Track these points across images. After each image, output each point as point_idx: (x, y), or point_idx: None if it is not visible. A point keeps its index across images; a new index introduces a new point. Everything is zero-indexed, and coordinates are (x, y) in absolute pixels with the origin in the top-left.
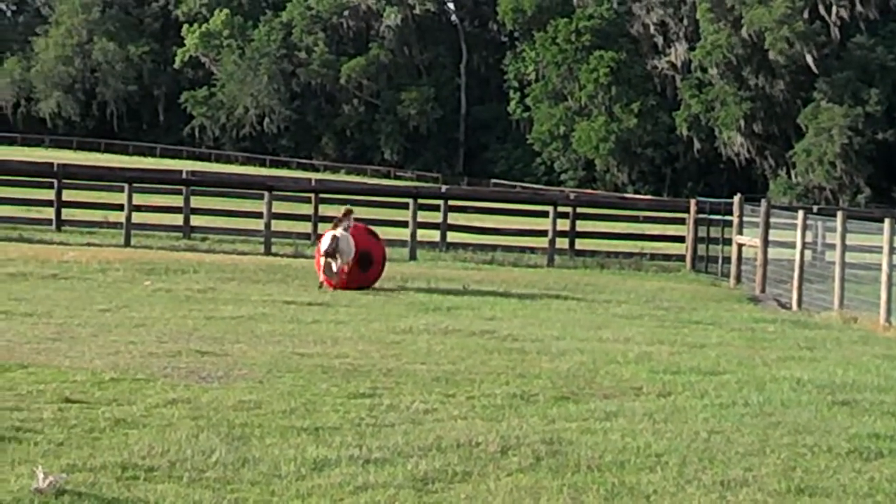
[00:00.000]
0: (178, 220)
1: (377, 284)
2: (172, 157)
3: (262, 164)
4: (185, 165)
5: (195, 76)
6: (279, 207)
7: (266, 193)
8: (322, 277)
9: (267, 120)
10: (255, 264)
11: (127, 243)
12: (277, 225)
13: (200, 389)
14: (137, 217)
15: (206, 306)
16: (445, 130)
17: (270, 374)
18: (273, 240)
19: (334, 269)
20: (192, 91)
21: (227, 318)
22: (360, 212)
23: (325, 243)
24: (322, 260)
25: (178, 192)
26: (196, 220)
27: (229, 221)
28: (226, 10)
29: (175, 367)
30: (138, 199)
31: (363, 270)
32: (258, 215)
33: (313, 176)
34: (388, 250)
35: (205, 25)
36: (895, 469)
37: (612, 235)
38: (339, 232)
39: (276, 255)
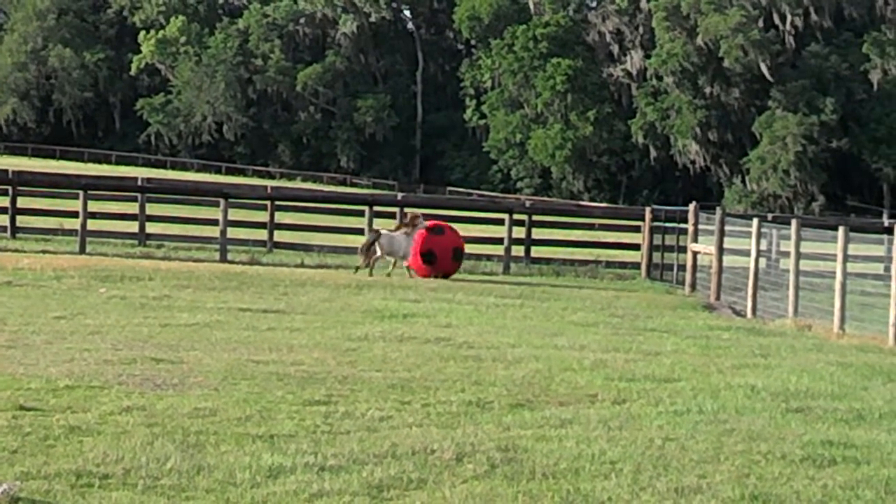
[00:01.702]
0: (133, 227)
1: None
2: (128, 165)
3: (219, 171)
4: (141, 173)
5: (151, 83)
6: (235, 215)
7: (222, 201)
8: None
9: (225, 127)
10: (210, 271)
11: (82, 250)
12: (233, 232)
13: (155, 397)
14: (93, 224)
15: (162, 314)
16: (402, 138)
17: (226, 382)
18: (229, 247)
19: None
20: (149, 98)
21: (182, 325)
22: (316, 219)
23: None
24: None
25: (134, 200)
26: (151, 228)
27: (185, 229)
28: (182, 17)
29: (130, 375)
30: (94, 207)
31: (428, 264)
32: (214, 222)
33: (269, 183)
34: (344, 258)
35: (161, 32)
36: (848, 476)
37: (568, 243)
38: (386, 230)
39: (231, 262)
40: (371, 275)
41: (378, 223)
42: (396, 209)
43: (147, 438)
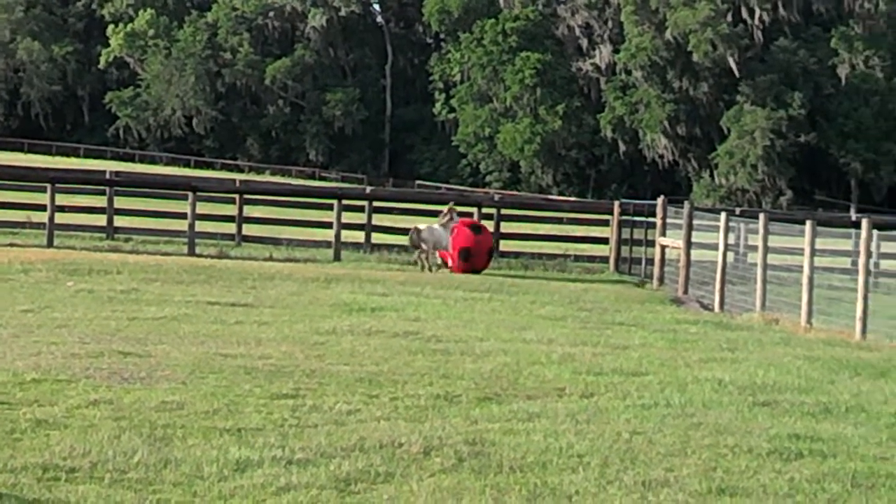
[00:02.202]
0: (101, 220)
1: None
2: (96, 158)
3: (187, 164)
4: (110, 166)
5: (120, 76)
6: (203, 208)
7: (190, 194)
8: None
9: (194, 121)
10: (178, 265)
11: (50, 244)
12: (202, 226)
13: (123, 390)
14: (60, 218)
15: (130, 307)
16: (371, 132)
17: (193, 375)
18: (197, 240)
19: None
20: (118, 91)
21: (150, 318)
22: (284, 213)
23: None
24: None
25: (102, 193)
26: (120, 221)
27: (153, 222)
28: (150, 11)
29: (97, 368)
30: (61, 200)
31: (464, 260)
32: (182, 216)
33: (238, 177)
34: (312, 252)
35: (130, 25)
36: (815, 469)
37: (537, 237)
38: (424, 225)
39: (200, 255)
40: (432, 271)
41: (347, 217)
42: (365, 203)
43: (114, 432)
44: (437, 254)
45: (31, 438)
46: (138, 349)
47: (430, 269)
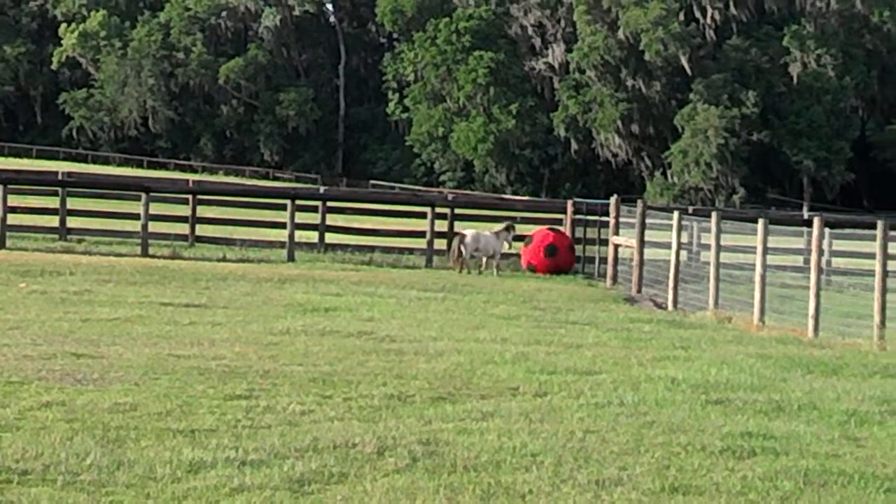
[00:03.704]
0: (54, 221)
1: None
2: (49, 159)
3: (140, 165)
4: (62, 167)
5: (73, 77)
6: (156, 209)
7: (143, 195)
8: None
9: (150, 121)
10: (132, 266)
11: (2, 245)
12: (155, 226)
13: (75, 392)
14: (13, 218)
15: (82, 308)
16: (324, 131)
17: (146, 377)
18: (150, 241)
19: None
20: (71, 92)
21: (103, 320)
22: (238, 213)
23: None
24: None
25: (55, 194)
26: (72, 222)
27: (106, 223)
28: (103, 11)
29: (50, 370)
30: (13, 201)
31: (550, 256)
32: (135, 217)
33: (191, 177)
34: (266, 252)
35: (82, 26)
36: (767, 467)
37: None
38: (469, 231)
39: (153, 256)
40: (469, 272)
41: (301, 217)
42: (319, 203)
43: (67, 434)
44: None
45: None
46: (91, 350)
47: (469, 271)
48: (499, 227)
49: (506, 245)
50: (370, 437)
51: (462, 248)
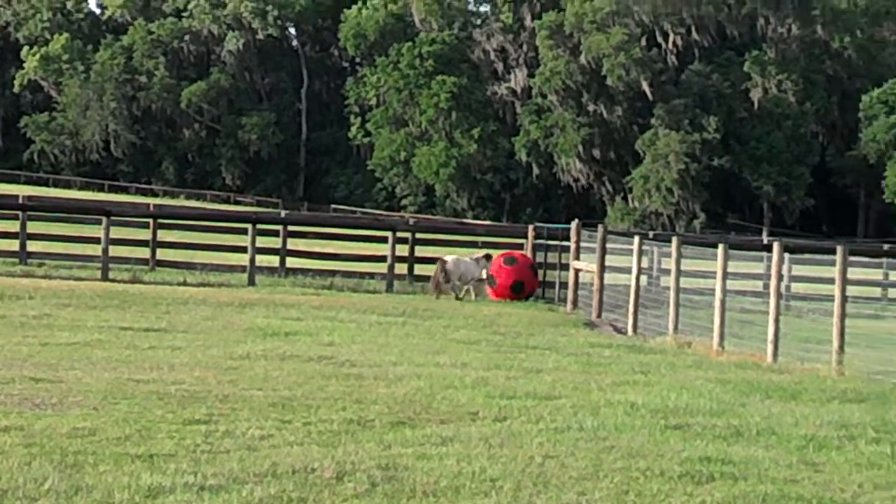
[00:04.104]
0: (13, 245)
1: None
2: (10, 182)
3: (101, 189)
4: (23, 190)
5: (35, 100)
6: (117, 233)
7: (104, 219)
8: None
9: (112, 144)
10: (92, 290)
11: None
12: (115, 250)
13: (34, 416)
14: None
15: (42, 333)
16: (286, 155)
17: (105, 401)
18: (111, 265)
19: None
20: (33, 116)
21: (62, 344)
22: (199, 237)
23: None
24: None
25: (15, 218)
26: (33, 246)
27: (67, 247)
28: (66, 34)
29: (8, 395)
30: None
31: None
32: (96, 241)
33: (152, 201)
34: (226, 276)
35: (45, 49)
36: (726, 492)
37: None
38: (450, 257)
39: (113, 280)
40: (447, 297)
41: (262, 241)
42: (280, 227)
43: (25, 459)
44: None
45: None
46: (50, 375)
47: (458, 298)
48: (478, 254)
49: (483, 273)
50: (329, 462)
51: (444, 274)
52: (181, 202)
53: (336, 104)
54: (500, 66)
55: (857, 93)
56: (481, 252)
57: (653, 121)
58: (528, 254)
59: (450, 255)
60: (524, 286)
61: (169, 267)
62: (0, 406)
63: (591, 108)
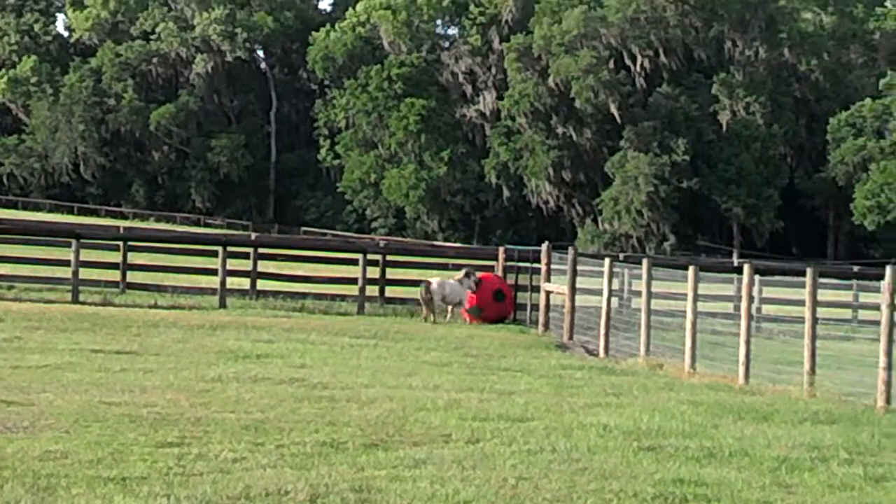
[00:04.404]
0: None
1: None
2: None
3: (71, 211)
4: None
5: (3, 123)
6: (87, 255)
7: (74, 241)
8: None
9: (81, 167)
10: (62, 313)
11: None
12: (85, 273)
13: (5, 440)
14: None
15: (12, 355)
16: (256, 178)
17: (77, 424)
18: (81, 288)
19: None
20: (1, 138)
21: (33, 367)
22: (169, 259)
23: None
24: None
25: None
26: (2, 269)
27: (36, 269)
28: (34, 57)
29: None
30: None
31: (498, 301)
32: (66, 263)
33: (122, 223)
34: (197, 299)
35: (12, 71)
36: None
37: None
38: (435, 280)
39: (84, 303)
40: (434, 321)
41: (232, 264)
42: (250, 249)
43: None
44: (461, 310)
45: None
46: (21, 398)
47: (435, 321)
48: (458, 274)
49: (468, 292)
50: (302, 484)
51: (427, 295)
52: (151, 224)
53: (305, 126)
54: (468, 89)
55: (825, 115)
56: (461, 273)
57: (622, 143)
58: (499, 275)
59: (434, 277)
60: (505, 297)
61: (139, 289)
62: None
63: (560, 130)
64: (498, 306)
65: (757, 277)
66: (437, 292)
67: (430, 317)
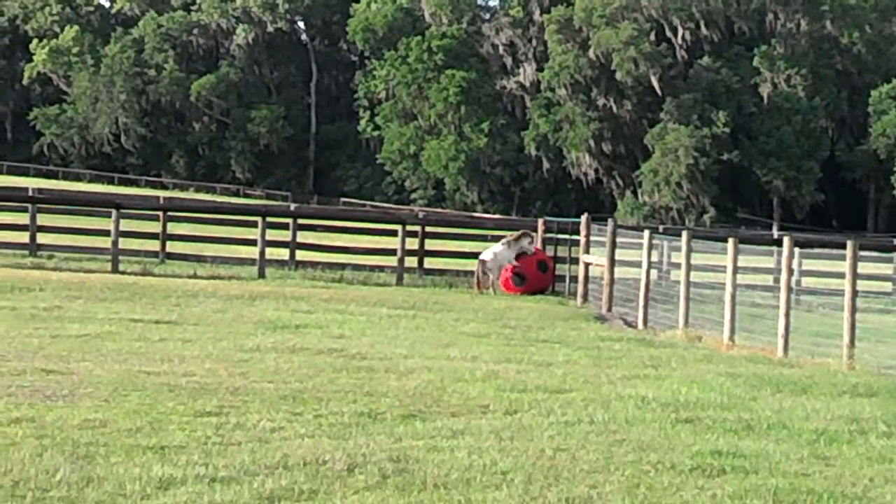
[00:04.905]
0: (24, 237)
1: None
2: (20, 175)
3: (111, 181)
4: (33, 183)
5: (44, 93)
6: (127, 225)
7: (114, 211)
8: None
9: (122, 137)
10: (102, 282)
11: None
12: (125, 243)
13: (45, 408)
14: None
15: (52, 324)
16: (296, 149)
17: (116, 393)
18: (120, 258)
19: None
20: (43, 109)
21: (73, 336)
22: (209, 230)
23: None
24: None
25: (25, 210)
26: (43, 238)
27: (76, 239)
28: (76, 27)
29: (19, 386)
30: None
31: (542, 272)
32: (106, 233)
33: (162, 194)
34: (236, 269)
35: (54, 41)
36: (737, 486)
37: (461, 254)
38: (488, 254)
39: (123, 273)
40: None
41: (271, 234)
42: (290, 220)
43: (36, 450)
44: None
45: None
46: (61, 367)
47: (495, 292)
48: (512, 235)
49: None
50: (340, 454)
51: (486, 273)
52: (191, 195)
53: (345, 98)
54: (509, 61)
55: (867, 88)
56: (516, 234)
57: (662, 115)
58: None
59: (486, 251)
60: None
61: (179, 259)
62: (11, 397)
63: (600, 102)
64: (541, 277)
65: (797, 250)
66: (493, 267)
67: (486, 290)
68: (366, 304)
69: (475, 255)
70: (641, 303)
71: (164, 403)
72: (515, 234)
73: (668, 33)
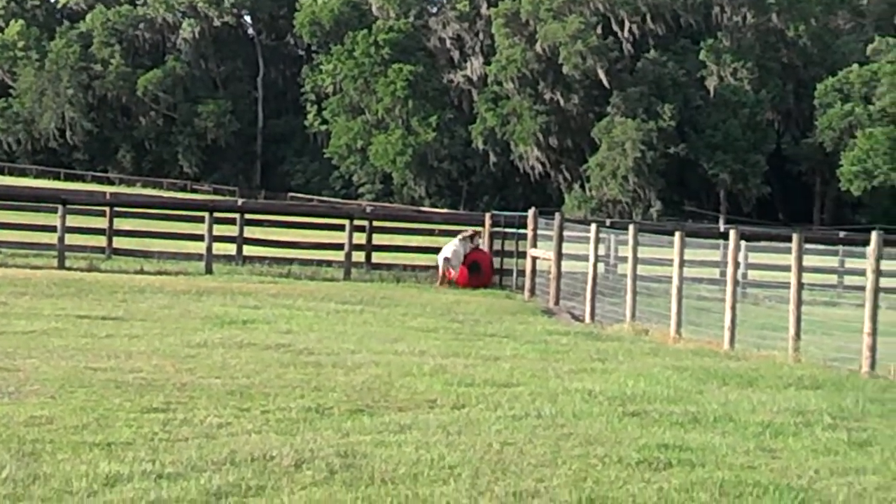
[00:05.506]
0: None
1: (178, 299)
2: None
3: (57, 177)
4: None
5: None
6: (73, 221)
7: (60, 207)
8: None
9: (68, 132)
10: (48, 278)
11: None
12: (71, 239)
13: None
14: None
15: None
16: (243, 144)
17: (63, 390)
18: (67, 254)
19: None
20: None
21: (19, 332)
22: (156, 225)
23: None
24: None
25: None
26: None
27: (22, 235)
28: (21, 21)
29: None
30: None
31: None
32: (52, 229)
33: (109, 189)
34: (183, 264)
35: None
36: (684, 479)
37: (409, 249)
38: (448, 250)
39: (70, 269)
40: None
41: (219, 229)
42: (237, 215)
43: None
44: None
45: None
46: (7, 363)
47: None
48: (466, 232)
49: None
50: (287, 449)
51: (450, 268)
52: (138, 190)
53: (292, 92)
54: (456, 55)
55: (812, 81)
56: (469, 231)
57: (609, 109)
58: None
59: (446, 246)
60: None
61: (126, 255)
62: None
63: (547, 96)
64: (477, 276)
65: (743, 243)
66: (454, 260)
67: (444, 284)
68: (313, 299)
69: (423, 250)
70: (588, 297)
71: (111, 400)
72: (470, 230)
73: (615, 27)
